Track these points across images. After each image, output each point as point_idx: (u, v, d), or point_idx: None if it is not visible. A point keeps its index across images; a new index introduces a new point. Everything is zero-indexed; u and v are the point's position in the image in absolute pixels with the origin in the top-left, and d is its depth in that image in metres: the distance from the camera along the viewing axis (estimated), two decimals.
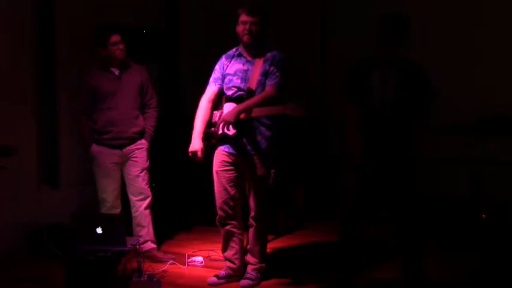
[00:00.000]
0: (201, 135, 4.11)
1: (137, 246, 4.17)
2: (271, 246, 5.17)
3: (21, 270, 4.50)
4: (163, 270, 4.48)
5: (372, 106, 3.87)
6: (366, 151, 3.91)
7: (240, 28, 3.96)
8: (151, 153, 4.72)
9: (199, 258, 4.69)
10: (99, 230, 3.99)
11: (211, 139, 4.07)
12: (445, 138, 5.23)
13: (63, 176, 5.32)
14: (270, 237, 5.29)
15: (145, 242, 4.61)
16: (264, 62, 3.97)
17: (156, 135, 4.76)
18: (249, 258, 4.24)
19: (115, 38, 4.48)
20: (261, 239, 4.23)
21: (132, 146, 4.62)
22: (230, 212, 4.18)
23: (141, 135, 4.65)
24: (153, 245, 4.69)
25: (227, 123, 3.92)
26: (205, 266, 4.61)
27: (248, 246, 4.25)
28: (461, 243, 5.16)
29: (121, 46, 4.50)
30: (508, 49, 5.85)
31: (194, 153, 4.10)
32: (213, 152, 4.17)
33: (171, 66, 6.29)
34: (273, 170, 5.27)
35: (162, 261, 4.60)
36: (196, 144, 4.11)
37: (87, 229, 4.00)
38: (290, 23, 6.64)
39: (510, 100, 5.74)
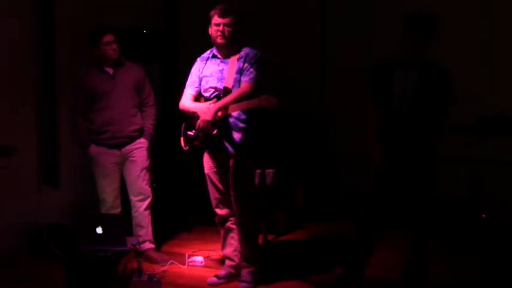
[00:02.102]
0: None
1: (137, 246, 4.17)
2: (271, 245, 5.17)
3: (21, 270, 4.51)
4: (163, 270, 4.48)
5: (390, 106, 3.85)
6: (385, 152, 3.89)
7: (212, 30, 3.97)
8: (152, 152, 4.72)
9: (199, 258, 4.68)
10: (99, 230, 3.99)
11: (194, 141, 4.05)
12: (445, 138, 5.23)
13: (63, 176, 5.32)
14: (270, 237, 5.32)
15: (144, 242, 4.61)
16: (238, 60, 3.98)
17: (156, 135, 4.76)
18: (241, 261, 4.19)
19: (108, 38, 4.48)
20: (250, 241, 4.14)
21: (131, 146, 4.61)
22: (228, 208, 4.18)
23: (140, 133, 4.65)
24: (151, 245, 4.69)
25: (206, 123, 3.91)
26: (205, 266, 4.61)
27: (239, 249, 4.18)
28: (461, 243, 5.16)
29: (114, 46, 4.49)
30: (509, 49, 5.85)
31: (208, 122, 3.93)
32: (201, 155, 4.18)
33: (171, 66, 6.30)
34: (272, 170, 5.30)
35: (157, 262, 4.59)
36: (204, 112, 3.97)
37: (87, 229, 4.01)
38: (290, 24, 6.65)
39: (510, 100, 5.74)
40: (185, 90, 4.17)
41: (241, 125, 4.00)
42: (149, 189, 4.69)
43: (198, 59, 4.17)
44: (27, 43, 5.00)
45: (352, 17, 6.45)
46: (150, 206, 4.69)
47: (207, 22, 4.03)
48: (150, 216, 4.68)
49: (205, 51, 4.19)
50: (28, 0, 5.00)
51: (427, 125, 3.84)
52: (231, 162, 4.02)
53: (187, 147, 4.10)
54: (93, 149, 4.58)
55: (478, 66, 5.86)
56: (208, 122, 3.91)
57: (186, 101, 4.12)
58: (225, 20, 3.92)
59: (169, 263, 4.58)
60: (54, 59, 5.22)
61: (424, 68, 3.81)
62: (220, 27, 3.93)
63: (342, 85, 6.47)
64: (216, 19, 3.95)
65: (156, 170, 4.92)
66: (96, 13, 5.34)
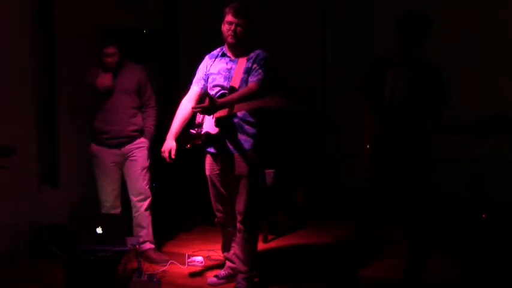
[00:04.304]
0: (175, 136, 4.08)
1: (137, 247, 4.17)
2: (271, 246, 5.17)
3: (21, 270, 4.50)
4: (163, 270, 4.48)
5: (381, 104, 3.87)
6: (375, 150, 3.91)
7: (225, 28, 3.93)
8: (152, 152, 4.71)
9: (199, 258, 4.69)
10: (99, 230, 3.99)
11: (196, 140, 4.03)
12: (445, 138, 5.25)
13: (63, 176, 5.32)
14: (270, 237, 5.32)
15: (144, 242, 4.61)
16: (248, 60, 3.95)
17: (156, 135, 4.74)
18: (238, 265, 4.14)
19: (109, 50, 4.44)
20: (249, 245, 4.10)
21: (132, 145, 4.61)
22: (229, 212, 4.17)
23: (140, 133, 4.64)
24: (151, 245, 4.68)
25: (206, 113, 3.88)
26: (205, 266, 4.61)
27: (237, 252, 4.14)
28: (461, 243, 5.16)
29: (109, 59, 4.45)
30: (509, 49, 5.86)
31: (165, 152, 4.05)
32: (203, 155, 4.16)
33: (171, 66, 6.30)
34: (272, 170, 5.30)
35: (157, 262, 4.59)
36: (168, 144, 4.07)
37: (87, 229, 4.01)
38: (291, 25, 6.65)
39: (510, 100, 5.74)
40: (191, 86, 4.14)
41: (246, 127, 3.96)
42: (149, 189, 4.69)
43: (207, 56, 4.14)
44: (27, 43, 5.00)
45: (352, 17, 6.46)
46: (150, 206, 4.69)
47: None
48: (150, 217, 4.68)
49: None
50: (28, 0, 5.00)
51: (418, 123, 3.85)
52: (236, 164, 3.99)
53: (188, 146, 4.07)
54: (94, 148, 4.58)
55: (478, 66, 5.87)
56: (209, 114, 3.87)
57: (184, 105, 4.10)
58: (238, 20, 3.88)
59: (169, 263, 4.58)
60: (54, 58, 5.22)
61: (414, 68, 3.82)
62: (232, 27, 3.89)
63: (342, 85, 6.47)
64: (229, 17, 3.91)
65: (156, 170, 4.91)
66: (96, 13, 5.34)
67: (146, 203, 4.66)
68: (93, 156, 4.59)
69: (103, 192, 4.61)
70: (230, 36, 3.92)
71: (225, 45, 4.04)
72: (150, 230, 4.69)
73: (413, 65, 3.82)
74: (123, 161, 4.62)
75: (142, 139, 4.64)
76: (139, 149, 4.63)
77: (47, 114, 5.25)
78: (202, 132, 3.99)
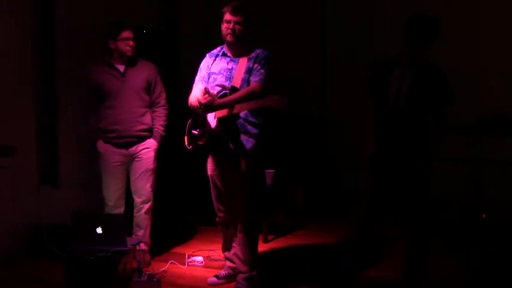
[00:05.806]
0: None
1: (136, 247, 4.17)
2: (271, 246, 5.17)
3: (21, 270, 4.50)
4: (163, 270, 4.48)
5: (386, 103, 3.88)
6: (377, 148, 3.91)
7: (223, 27, 3.93)
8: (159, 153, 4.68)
9: (199, 258, 4.69)
10: (99, 230, 3.99)
11: (198, 140, 4.02)
12: (445, 138, 5.25)
13: (63, 176, 5.32)
14: (270, 237, 5.32)
15: (140, 242, 4.58)
16: (249, 60, 3.94)
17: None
18: (238, 265, 4.15)
19: (126, 34, 4.44)
20: (250, 245, 4.10)
21: (139, 146, 4.56)
22: (230, 212, 4.17)
23: (149, 133, 4.58)
24: (145, 247, 4.60)
25: (208, 107, 3.88)
26: (205, 266, 4.61)
27: (237, 252, 4.16)
28: (461, 243, 5.16)
29: (131, 43, 4.46)
30: (509, 48, 5.86)
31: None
32: (204, 156, 4.16)
33: (171, 66, 6.29)
34: (272, 170, 5.30)
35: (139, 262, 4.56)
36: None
37: (87, 229, 4.00)
38: (291, 24, 6.65)
39: (510, 100, 5.74)
40: (195, 85, 4.11)
41: (249, 127, 3.95)
42: (151, 192, 4.62)
43: (207, 55, 4.13)
44: (27, 43, 4.99)
45: (352, 16, 6.46)
46: (151, 210, 4.64)
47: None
48: (149, 220, 4.64)
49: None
50: (28, 0, 5.00)
51: (421, 123, 3.86)
52: (237, 164, 3.97)
53: (190, 147, 4.07)
54: (101, 146, 4.54)
55: (478, 66, 5.87)
56: (210, 108, 3.88)
57: (195, 98, 4.05)
58: (236, 18, 3.88)
59: (169, 263, 4.58)
60: (54, 58, 5.22)
61: (419, 68, 3.85)
62: (231, 25, 3.89)
63: (342, 85, 6.47)
64: (227, 16, 3.90)
65: (157, 170, 4.90)
66: (96, 13, 5.34)
67: (147, 206, 4.62)
68: (100, 154, 4.55)
69: (107, 190, 4.58)
70: (229, 35, 3.92)
71: (225, 45, 4.04)
72: (148, 231, 4.65)
73: (419, 66, 3.85)
74: (129, 161, 4.58)
75: (151, 140, 4.59)
76: (146, 150, 4.57)
77: (47, 114, 5.25)
78: (205, 133, 3.98)
